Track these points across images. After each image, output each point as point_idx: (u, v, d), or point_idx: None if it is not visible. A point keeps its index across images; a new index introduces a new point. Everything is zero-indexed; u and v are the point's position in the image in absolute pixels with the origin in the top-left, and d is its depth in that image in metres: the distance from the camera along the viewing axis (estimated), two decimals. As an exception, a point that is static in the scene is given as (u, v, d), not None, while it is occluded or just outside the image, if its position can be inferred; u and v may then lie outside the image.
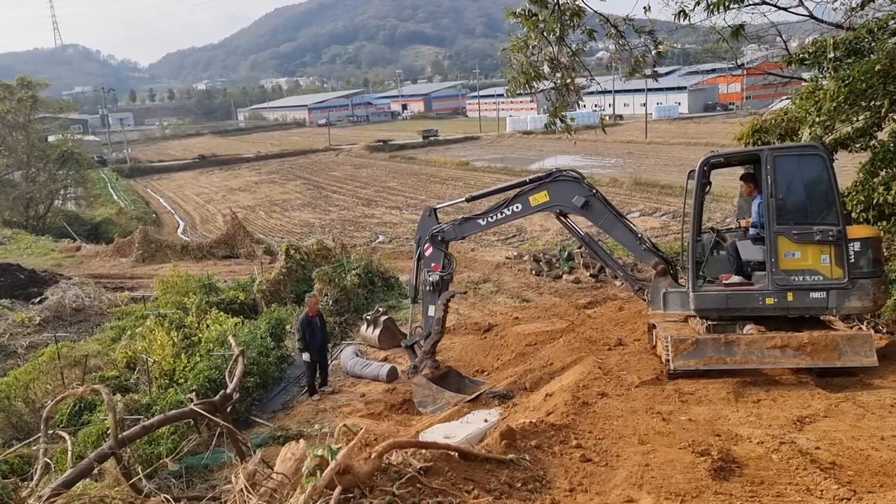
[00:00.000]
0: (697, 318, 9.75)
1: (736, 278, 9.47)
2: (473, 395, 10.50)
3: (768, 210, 8.91)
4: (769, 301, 8.96)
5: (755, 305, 9.06)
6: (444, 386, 10.85)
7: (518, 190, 10.50)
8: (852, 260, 8.72)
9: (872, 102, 10.60)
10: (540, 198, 10.27)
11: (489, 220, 10.65)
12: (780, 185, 8.88)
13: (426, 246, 11.04)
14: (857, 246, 8.71)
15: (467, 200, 11.26)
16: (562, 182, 10.25)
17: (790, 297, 8.88)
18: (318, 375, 12.76)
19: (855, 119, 10.96)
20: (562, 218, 10.49)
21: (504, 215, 10.55)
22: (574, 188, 10.16)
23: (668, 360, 9.08)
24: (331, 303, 17.07)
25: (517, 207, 10.41)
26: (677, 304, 9.63)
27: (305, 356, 12.42)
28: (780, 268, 8.88)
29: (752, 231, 9.61)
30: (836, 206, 8.78)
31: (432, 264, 10.95)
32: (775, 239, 8.88)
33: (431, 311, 10.93)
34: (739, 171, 10.71)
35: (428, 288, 10.94)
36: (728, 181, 9.88)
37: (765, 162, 8.95)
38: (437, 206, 11.43)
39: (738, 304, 9.16)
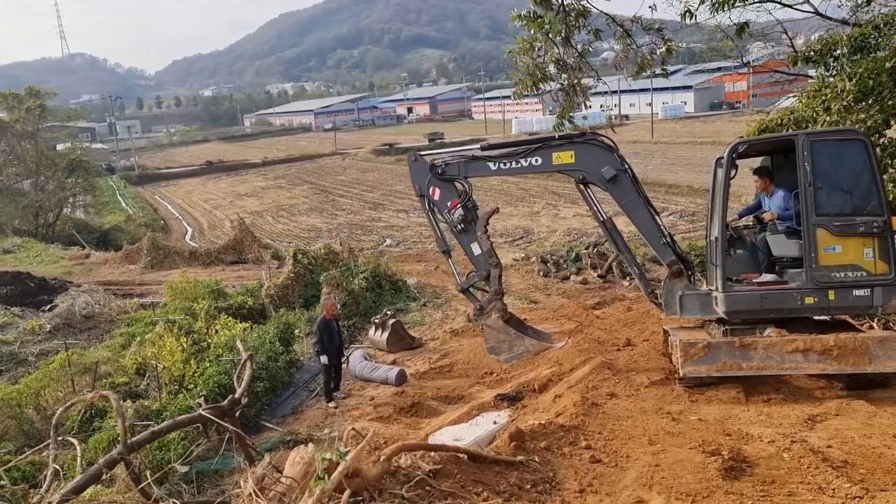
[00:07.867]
0: (715, 323, 8.93)
1: (768, 276, 8.65)
2: (561, 344, 9.57)
3: (805, 200, 8.07)
4: (809, 300, 8.11)
5: (793, 306, 8.22)
6: None
7: (542, 143, 9.49)
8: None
9: (882, 100, 10.51)
10: (564, 157, 9.22)
11: (501, 165, 9.54)
12: (819, 172, 8.01)
13: (431, 191, 9.91)
14: None
15: (483, 149, 10.10)
16: (593, 147, 9.19)
17: (832, 295, 8.06)
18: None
19: (865, 116, 10.86)
20: (582, 187, 9.44)
21: (520, 165, 9.45)
22: (606, 157, 9.12)
23: (677, 367, 8.54)
24: (339, 307, 17.08)
25: (536, 161, 9.37)
26: (696, 307, 8.90)
27: (324, 359, 12.23)
28: (821, 264, 8.03)
29: (780, 225, 8.76)
30: (880, 195, 7.95)
31: (448, 203, 9.85)
32: (814, 232, 8.03)
33: (475, 248, 9.82)
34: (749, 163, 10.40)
35: (459, 228, 9.84)
36: (738, 175, 9.34)
37: (801, 148, 8.09)
38: (424, 153, 10.37)
39: (774, 304, 8.32)
